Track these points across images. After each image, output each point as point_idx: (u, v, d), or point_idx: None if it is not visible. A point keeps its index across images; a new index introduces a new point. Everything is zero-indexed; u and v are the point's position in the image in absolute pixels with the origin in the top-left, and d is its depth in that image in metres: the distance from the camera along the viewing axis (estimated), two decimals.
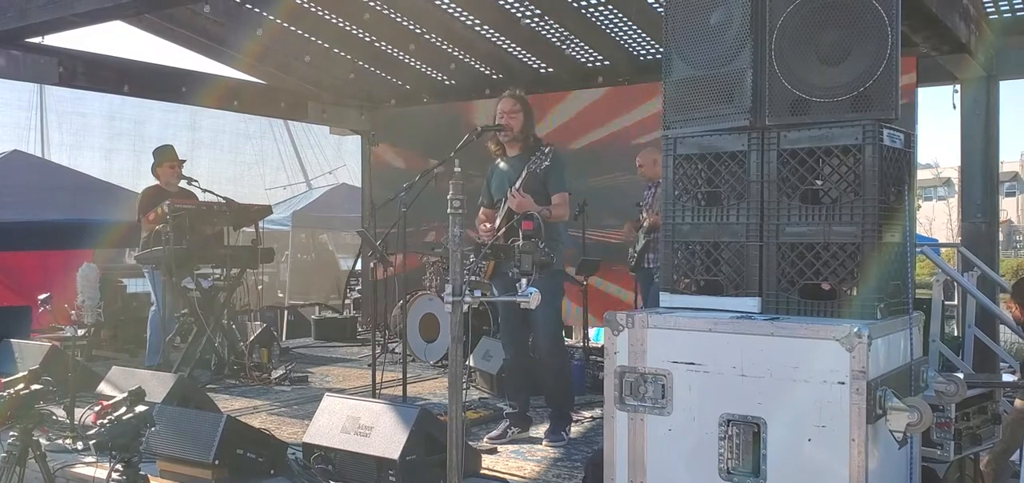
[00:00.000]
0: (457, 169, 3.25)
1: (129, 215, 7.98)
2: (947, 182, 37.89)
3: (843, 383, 2.96)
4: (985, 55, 7.13)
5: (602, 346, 7.89)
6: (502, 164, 5.43)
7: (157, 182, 7.65)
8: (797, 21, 3.38)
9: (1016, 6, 7.29)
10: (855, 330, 2.95)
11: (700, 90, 3.59)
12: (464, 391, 3.95)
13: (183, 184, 7.65)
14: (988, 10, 7.27)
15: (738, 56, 3.47)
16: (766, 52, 3.43)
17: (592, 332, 8.99)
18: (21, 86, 16.78)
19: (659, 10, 7.85)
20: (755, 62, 3.44)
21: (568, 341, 8.15)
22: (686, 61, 3.63)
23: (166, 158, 7.62)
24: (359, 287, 12.02)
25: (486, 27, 8.90)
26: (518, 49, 9.34)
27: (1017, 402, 4.75)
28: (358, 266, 12.80)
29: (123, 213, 9.22)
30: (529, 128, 5.35)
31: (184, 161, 7.77)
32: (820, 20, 3.35)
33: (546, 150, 5.13)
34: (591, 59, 9.34)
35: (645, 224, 6.88)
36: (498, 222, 5.21)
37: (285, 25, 9.23)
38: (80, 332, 5.58)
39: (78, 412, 4.97)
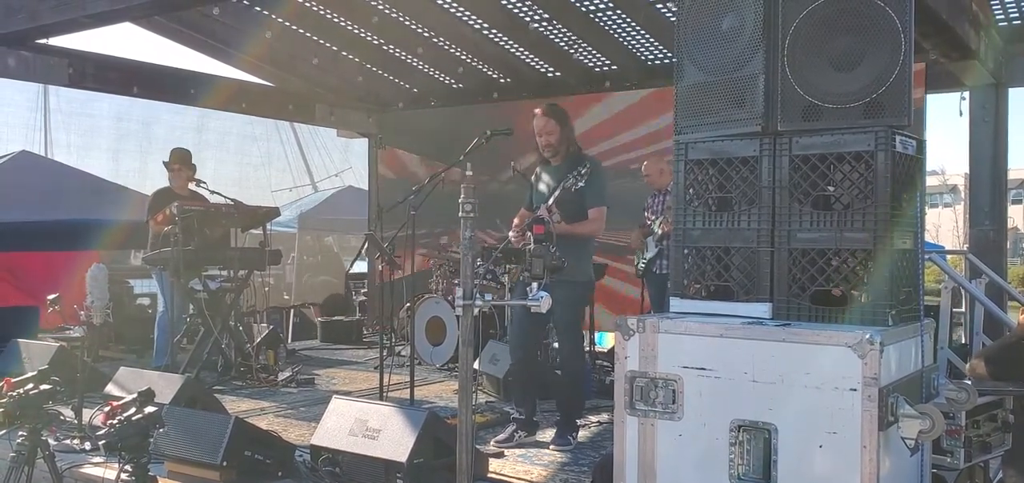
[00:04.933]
0: (468, 172, 3.24)
1: (136, 216, 8.01)
2: (953, 189, 37.84)
3: (855, 390, 2.95)
4: (994, 62, 7.13)
5: (607, 350, 7.92)
6: (544, 173, 5.45)
7: (168, 184, 7.70)
8: (809, 27, 3.37)
9: None
10: (867, 336, 2.94)
11: (712, 95, 3.58)
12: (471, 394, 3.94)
13: (192, 186, 7.67)
14: (997, 17, 7.26)
15: (750, 61, 3.47)
16: (778, 57, 3.42)
17: (596, 337, 8.97)
18: (27, 87, 16.84)
19: (667, 15, 7.85)
20: (767, 67, 3.44)
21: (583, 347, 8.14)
22: (698, 66, 3.62)
23: (175, 161, 7.66)
24: (364, 289, 12.02)
25: (494, 31, 8.91)
26: (526, 53, 9.34)
27: None
28: (354, 268, 12.83)
29: (130, 214, 9.24)
30: (567, 137, 5.34)
31: (195, 166, 7.79)
32: (833, 26, 3.34)
33: (582, 171, 5.09)
34: (599, 63, 9.34)
35: (659, 232, 6.88)
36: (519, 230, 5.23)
37: (293, 27, 9.25)
38: (95, 322, 5.59)
39: (86, 412, 4.99)
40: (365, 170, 12.80)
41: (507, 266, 5.08)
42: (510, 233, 5.35)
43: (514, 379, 5.65)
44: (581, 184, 5.10)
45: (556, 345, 6.98)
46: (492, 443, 5.29)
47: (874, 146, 3.23)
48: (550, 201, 5.08)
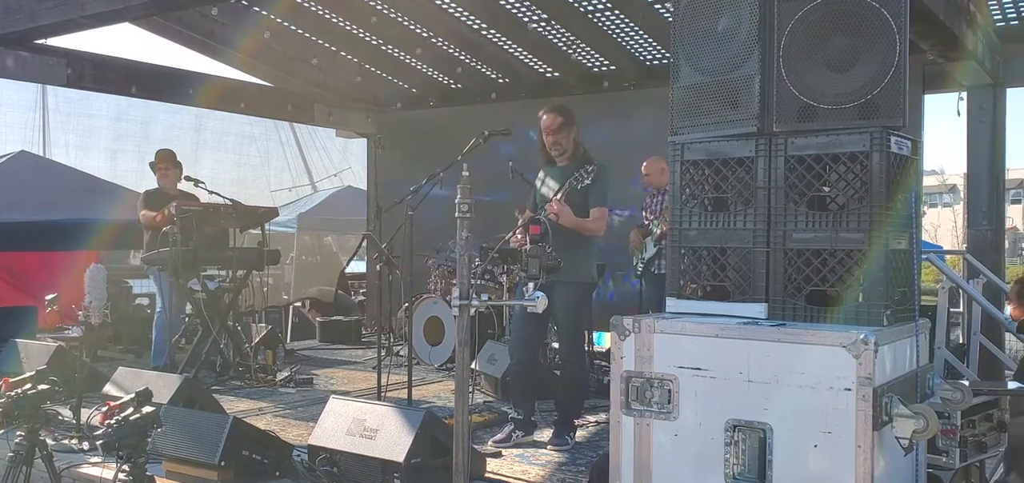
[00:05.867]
0: (465, 173, 3.25)
1: (134, 215, 8.01)
2: (952, 189, 37.88)
3: (850, 389, 2.96)
4: (992, 63, 7.14)
5: (605, 350, 7.92)
6: (549, 175, 5.44)
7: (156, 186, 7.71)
8: (805, 27, 3.39)
9: None
10: (862, 337, 2.95)
11: (708, 96, 3.60)
12: (469, 395, 3.95)
13: (188, 186, 7.67)
14: (995, 18, 7.27)
15: (746, 62, 3.48)
16: (774, 58, 3.44)
17: (594, 337, 8.97)
18: (26, 87, 16.83)
19: (665, 16, 7.85)
20: (763, 68, 3.45)
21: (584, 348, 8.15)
22: (694, 67, 3.64)
23: (161, 161, 7.65)
24: (363, 289, 12.03)
25: (492, 31, 8.92)
26: (524, 53, 9.35)
27: None
28: (350, 268, 12.85)
29: (128, 214, 9.25)
30: (575, 137, 5.33)
31: (181, 165, 7.77)
32: (828, 27, 3.36)
33: (589, 168, 5.12)
34: (597, 64, 9.35)
35: (657, 231, 6.89)
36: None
37: (292, 27, 9.25)
38: (94, 322, 5.59)
39: (84, 412, 5.00)
40: (364, 170, 12.81)
41: (506, 267, 5.10)
42: (511, 233, 5.35)
43: (513, 380, 5.66)
44: (587, 181, 5.11)
45: (555, 345, 6.99)
46: (490, 443, 5.29)
47: (869, 147, 3.24)
48: (559, 195, 5.09)
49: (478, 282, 6.97)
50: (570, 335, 5.41)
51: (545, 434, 5.44)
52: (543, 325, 5.76)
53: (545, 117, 5.35)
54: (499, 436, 5.38)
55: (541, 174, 5.51)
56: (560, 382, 5.52)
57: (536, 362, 5.63)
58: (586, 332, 6.59)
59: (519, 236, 5.31)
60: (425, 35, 9.15)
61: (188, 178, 7.65)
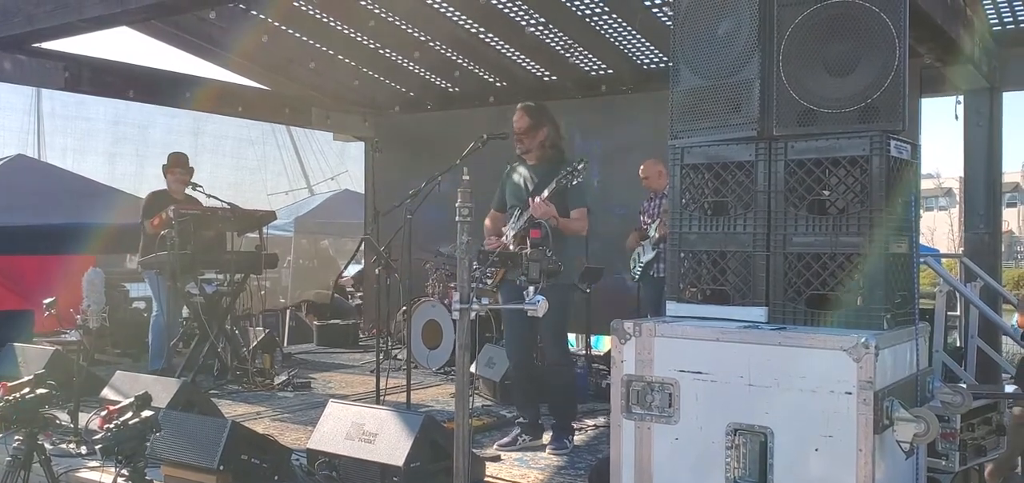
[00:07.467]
0: (465, 177, 3.25)
1: (132, 219, 8.00)
2: (948, 192, 38.00)
3: (850, 393, 2.97)
4: (988, 66, 7.15)
5: (604, 354, 7.92)
6: (519, 170, 5.39)
7: (163, 187, 7.69)
8: (805, 32, 3.40)
9: (1020, 18, 7.30)
10: (862, 340, 2.96)
11: (708, 100, 3.60)
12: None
13: (188, 190, 7.66)
14: (991, 22, 7.28)
15: (746, 66, 3.49)
16: (774, 62, 3.45)
17: (593, 340, 8.97)
18: (21, 90, 16.80)
19: (662, 19, 7.86)
20: (763, 72, 3.46)
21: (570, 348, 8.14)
22: (694, 71, 3.64)
23: (174, 164, 7.65)
24: (361, 292, 12.03)
25: (490, 35, 8.92)
26: (522, 57, 9.35)
27: (1016, 409, 4.75)
28: (347, 271, 12.85)
29: (125, 217, 9.23)
30: (542, 138, 5.28)
31: (193, 169, 7.78)
32: (828, 31, 3.37)
33: (579, 167, 5.07)
34: (594, 67, 9.35)
35: (655, 235, 6.89)
36: (514, 230, 5.21)
37: (289, 31, 9.25)
38: (91, 326, 5.56)
39: (82, 417, 4.99)
40: (361, 173, 12.80)
41: (489, 269, 5.05)
42: (506, 235, 5.33)
43: (514, 384, 5.65)
44: (579, 179, 5.08)
45: None
46: (495, 446, 5.28)
47: (869, 150, 3.26)
48: (545, 193, 5.05)
49: (478, 286, 6.95)
50: (555, 338, 5.38)
51: (544, 438, 5.44)
52: (536, 327, 5.74)
53: (516, 113, 5.32)
54: (504, 440, 5.35)
55: (522, 170, 5.39)
56: (551, 387, 5.48)
57: (534, 363, 5.62)
58: (568, 334, 6.54)
59: (495, 240, 5.29)
60: (422, 39, 9.15)
61: (190, 183, 7.65)
